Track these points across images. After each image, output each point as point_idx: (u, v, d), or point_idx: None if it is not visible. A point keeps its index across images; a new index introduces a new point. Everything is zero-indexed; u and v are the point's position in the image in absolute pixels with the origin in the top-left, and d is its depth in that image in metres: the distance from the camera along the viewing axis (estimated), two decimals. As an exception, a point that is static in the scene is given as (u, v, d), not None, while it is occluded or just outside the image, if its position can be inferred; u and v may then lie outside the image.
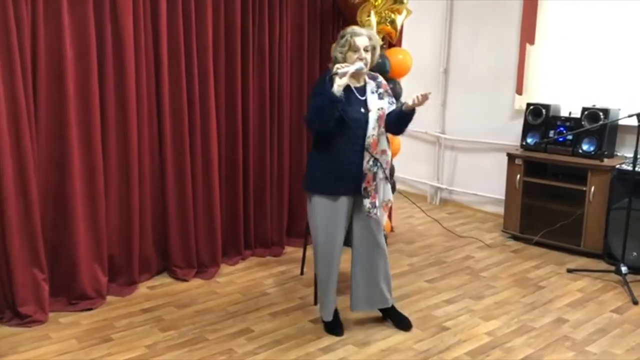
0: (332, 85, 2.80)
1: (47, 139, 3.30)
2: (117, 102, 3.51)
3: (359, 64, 2.89)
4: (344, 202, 3.02)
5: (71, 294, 3.43)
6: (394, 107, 3.08)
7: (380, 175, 3.04)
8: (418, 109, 2.96)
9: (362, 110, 2.98)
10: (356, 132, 2.94)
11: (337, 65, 2.85)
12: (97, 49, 3.37)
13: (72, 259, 3.40)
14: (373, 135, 2.96)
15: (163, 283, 3.85)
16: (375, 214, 3.03)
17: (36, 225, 3.21)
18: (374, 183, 3.01)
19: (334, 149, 2.97)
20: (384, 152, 3.04)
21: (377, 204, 3.04)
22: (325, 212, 3.03)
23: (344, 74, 2.79)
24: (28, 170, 3.14)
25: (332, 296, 3.20)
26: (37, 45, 3.17)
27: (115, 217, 3.62)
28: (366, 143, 2.96)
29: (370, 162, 2.98)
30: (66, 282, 3.42)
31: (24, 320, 3.18)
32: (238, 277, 4.01)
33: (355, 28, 3.03)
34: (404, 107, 2.97)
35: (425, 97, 2.85)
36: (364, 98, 3.02)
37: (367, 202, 3.01)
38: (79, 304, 3.41)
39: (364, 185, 3.00)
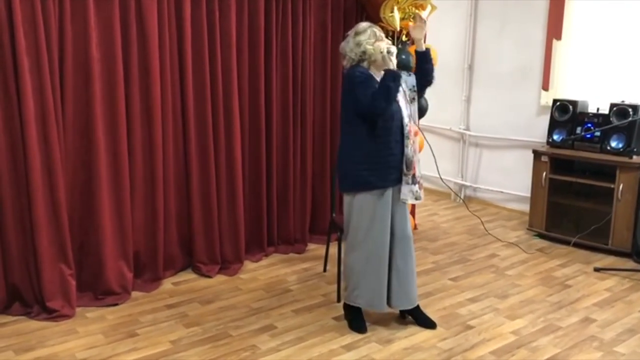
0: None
1: (74, 137, 3.35)
2: (142, 101, 3.55)
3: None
4: (389, 194, 3.07)
5: (97, 289, 3.48)
6: (412, 77, 3.19)
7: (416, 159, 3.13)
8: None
9: None
10: (396, 123, 3.02)
11: (385, 46, 2.98)
12: (123, 49, 3.41)
13: (98, 256, 3.45)
14: (409, 121, 3.06)
15: (187, 279, 3.89)
16: (420, 197, 3.13)
17: (63, 222, 3.26)
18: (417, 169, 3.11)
19: (379, 142, 3.01)
20: (416, 133, 3.14)
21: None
22: (376, 209, 3.05)
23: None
24: (55, 168, 3.19)
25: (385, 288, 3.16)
26: (65, 45, 3.21)
27: (141, 214, 3.66)
28: (406, 131, 3.04)
29: (412, 149, 3.06)
30: (92, 278, 3.48)
31: (51, 314, 3.24)
32: (261, 273, 4.03)
33: (369, 23, 3.14)
34: (417, 49, 3.13)
35: (418, 17, 3.10)
36: None
37: (415, 188, 3.08)
38: (105, 299, 3.46)
39: (412, 172, 3.06)
